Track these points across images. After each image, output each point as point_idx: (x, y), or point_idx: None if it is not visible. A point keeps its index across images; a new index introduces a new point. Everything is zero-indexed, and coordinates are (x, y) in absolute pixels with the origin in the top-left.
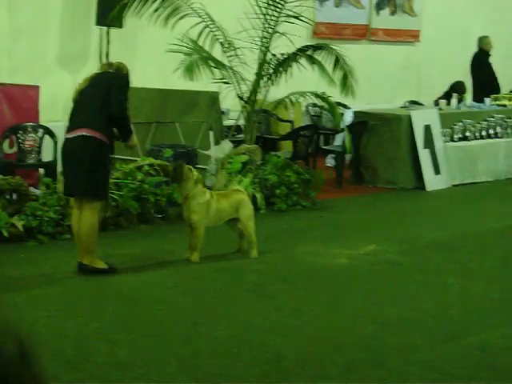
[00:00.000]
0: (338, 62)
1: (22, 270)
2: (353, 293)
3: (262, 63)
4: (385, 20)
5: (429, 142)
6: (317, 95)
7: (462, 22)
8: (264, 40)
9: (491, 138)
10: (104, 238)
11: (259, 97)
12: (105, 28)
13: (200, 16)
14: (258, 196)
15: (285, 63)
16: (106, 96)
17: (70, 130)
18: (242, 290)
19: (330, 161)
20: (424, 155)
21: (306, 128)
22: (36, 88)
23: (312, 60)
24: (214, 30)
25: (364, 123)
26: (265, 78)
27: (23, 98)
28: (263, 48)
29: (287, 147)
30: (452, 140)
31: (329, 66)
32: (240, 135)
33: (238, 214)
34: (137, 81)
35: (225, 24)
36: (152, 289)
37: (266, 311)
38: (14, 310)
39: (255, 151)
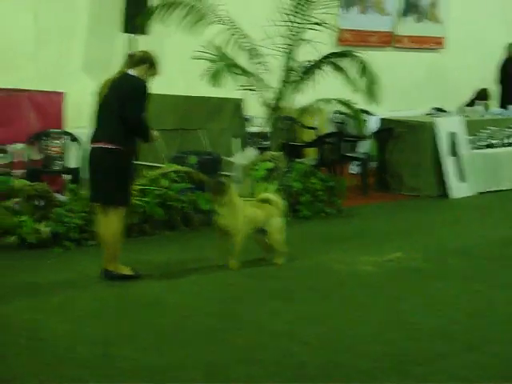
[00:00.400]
0: (362, 69)
1: (47, 275)
2: (377, 300)
3: (287, 70)
4: (410, 27)
5: (453, 150)
6: (342, 102)
7: (487, 29)
8: (289, 47)
9: None
10: (129, 244)
11: (284, 104)
12: (131, 35)
13: (225, 23)
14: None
15: (309, 70)
16: (122, 109)
17: (92, 141)
18: (267, 296)
19: (354, 168)
20: (449, 163)
21: (331, 135)
22: (60, 94)
23: (337, 67)
24: (239, 37)
25: (389, 130)
26: (289, 85)
27: (48, 105)
28: (288, 55)
29: (312, 154)
30: (477, 147)
31: (354, 74)
32: (265, 142)
33: (267, 226)
34: (162, 87)
35: (250, 31)
36: (177, 295)
37: (291, 318)
38: (38, 316)
39: (280, 158)
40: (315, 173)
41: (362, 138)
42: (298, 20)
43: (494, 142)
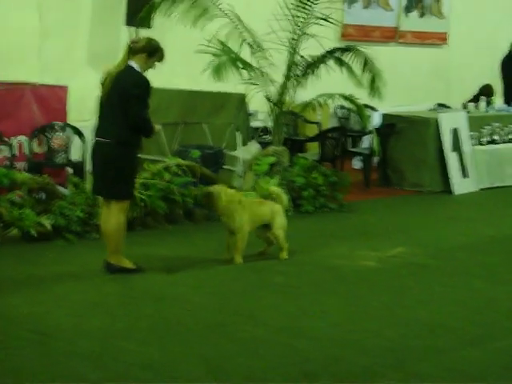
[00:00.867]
0: (366, 64)
1: (49, 268)
2: (379, 295)
3: (291, 65)
4: (413, 22)
5: (457, 145)
6: (345, 97)
7: (491, 25)
8: (292, 42)
9: None
10: (131, 237)
11: (287, 98)
12: (134, 28)
13: (229, 17)
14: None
15: (313, 65)
16: (125, 105)
17: (95, 134)
18: (269, 291)
19: (356, 163)
20: (452, 158)
21: (334, 130)
22: (64, 88)
23: (340, 62)
24: (242, 31)
25: (392, 126)
26: (293, 80)
27: (52, 98)
28: (291, 50)
29: (314, 149)
30: (480, 143)
31: (357, 69)
32: (267, 137)
33: (271, 222)
34: (165, 81)
35: (253, 25)
36: (179, 289)
37: (292, 313)
38: (41, 309)
39: (283, 153)
40: (318, 168)
41: (364, 133)
42: (301, 15)
43: (497, 138)
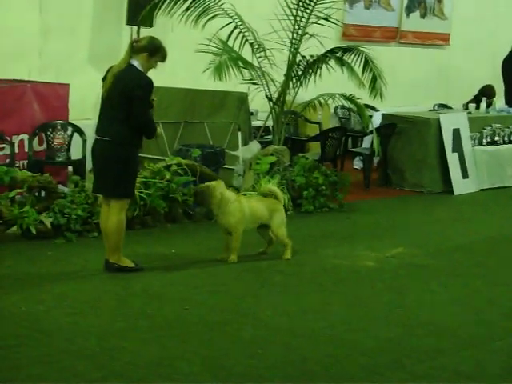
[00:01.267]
0: (367, 64)
1: (49, 267)
2: (379, 295)
3: (292, 64)
4: (415, 23)
5: (457, 146)
6: (346, 97)
7: (492, 26)
8: (293, 41)
9: None
10: (131, 236)
11: (288, 98)
12: (135, 27)
13: (230, 17)
14: (285, 197)
15: (314, 65)
16: (126, 106)
17: (96, 133)
18: (268, 290)
19: (357, 163)
20: (452, 159)
21: (335, 130)
22: (66, 86)
23: (341, 62)
24: (243, 30)
25: (392, 126)
26: (294, 80)
27: (53, 97)
28: (292, 49)
29: (315, 149)
30: (481, 144)
31: (358, 69)
32: (268, 136)
33: (269, 221)
34: (166, 80)
35: (255, 25)
36: (178, 288)
37: (292, 312)
38: (40, 307)
39: (283, 152)
40: (318, 167)
41: (365, 133)
42: (303, 14)
43: (497, 138)
